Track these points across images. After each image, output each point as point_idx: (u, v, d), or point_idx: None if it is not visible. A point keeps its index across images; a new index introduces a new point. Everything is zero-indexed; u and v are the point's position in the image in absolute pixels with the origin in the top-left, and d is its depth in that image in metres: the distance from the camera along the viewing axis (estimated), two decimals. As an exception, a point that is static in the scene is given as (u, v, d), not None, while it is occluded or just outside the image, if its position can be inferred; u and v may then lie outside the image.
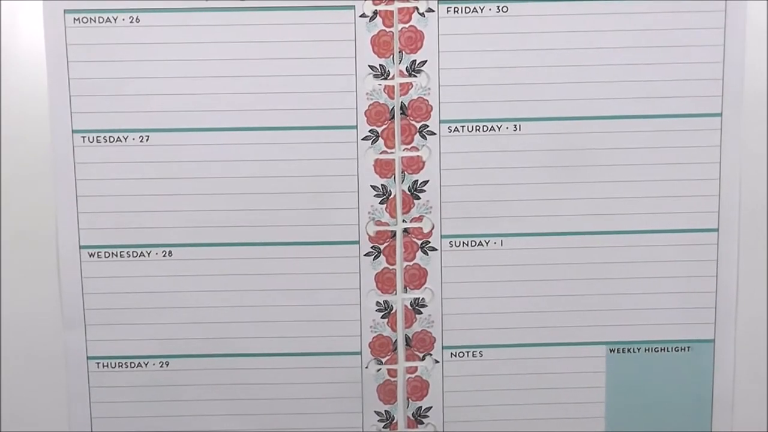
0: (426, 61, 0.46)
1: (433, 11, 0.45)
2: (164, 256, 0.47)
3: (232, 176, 0.47)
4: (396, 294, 0.48)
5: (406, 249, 0.47)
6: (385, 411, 0.48)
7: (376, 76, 0.46)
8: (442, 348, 0.48)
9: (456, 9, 0.45)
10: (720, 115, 0.47)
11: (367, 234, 0.47)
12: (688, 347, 0.48)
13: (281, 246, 0.47)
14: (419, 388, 0.48)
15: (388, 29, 0.46)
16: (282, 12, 0.45)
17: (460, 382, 0.48)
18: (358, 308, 0.48)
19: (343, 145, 0.46)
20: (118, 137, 0.46)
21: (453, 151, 0.47)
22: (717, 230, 0.47)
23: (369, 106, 0.46)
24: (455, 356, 0.48)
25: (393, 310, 0.48)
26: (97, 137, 0.46)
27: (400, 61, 0.46)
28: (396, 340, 0.48)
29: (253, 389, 0.48)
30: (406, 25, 0.46)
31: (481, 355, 0.48)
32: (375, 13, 0.46)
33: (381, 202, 0.47)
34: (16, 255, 0.47)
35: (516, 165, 0.47)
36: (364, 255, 0.47)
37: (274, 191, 0.47)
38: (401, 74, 0.46)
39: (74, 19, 0.46)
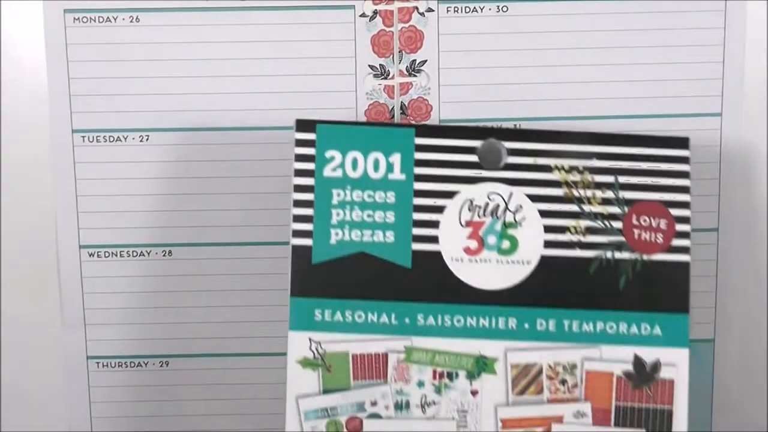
0: (426, 60, 0.46)
1: (434, 11, 0.45)
2: (164, 255, 0.47)
3: (232, 176, 0.47)
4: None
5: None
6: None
7: (375, 76, 0.46)
8: None
9: (456, 9, 0.45)
10: (720, 115, 0.47)
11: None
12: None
13: (281, 246, 0.47)
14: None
15: (387, 29, 0.46)
16: (281, 12, 0.45)
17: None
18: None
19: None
20: (118, 137, 0.46)
21: None
22: (717, 230, 0.47)
23: (369, 105, 0.46)
24: None
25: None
26: (97, 137, 0.46)
27: (400, 61, 0.46)
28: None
29: (253, 389, 0.48)
30: (406, 25, 0.46)
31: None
32: (375, 12, 0.46)
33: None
34: (16, 255, 0.47)
35: None
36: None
37: (274, 191, 0.47)
38: (401, 74, 0.46)
39: (74, 18, 0.46)
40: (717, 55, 0.46)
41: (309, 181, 0.41)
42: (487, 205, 0.40)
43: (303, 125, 0.41)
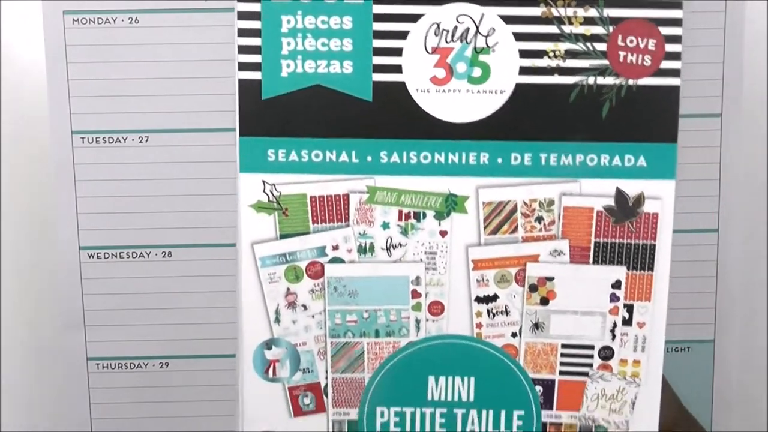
0: None
1: None
2: (164, 256, 0.47)
3: (231, 177, 0.47)
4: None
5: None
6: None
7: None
8: None
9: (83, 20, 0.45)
10: (720, 115, 0.47)
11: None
12: (688, 347, 0.48)
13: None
14: None
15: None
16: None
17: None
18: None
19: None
20: (118, 138, 0.46)
21: None
22: (717, 230, 0.47)
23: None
24: None
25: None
26: (96, 138, 0.46)
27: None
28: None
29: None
30: None
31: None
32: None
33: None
34: (16, 256, 0.47)
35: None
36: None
37: (273, 192, 0.47)
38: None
39: (73, 20, 0.46)
40: (717, 56, 0.46)
41: (254, 6, 0.36)
42: (455, 28, 0.36)
43: None
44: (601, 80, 0.37)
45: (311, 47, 0.36)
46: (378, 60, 0.36)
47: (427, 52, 0.36)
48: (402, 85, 0.36)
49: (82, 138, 0.46)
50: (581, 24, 0.36)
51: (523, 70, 0.36)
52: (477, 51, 0.36)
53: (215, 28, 0.46)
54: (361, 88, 0.36)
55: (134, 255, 0.47)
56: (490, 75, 0.36)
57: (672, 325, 0.48)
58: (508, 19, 0.36)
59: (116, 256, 0.47)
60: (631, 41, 0.36)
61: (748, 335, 0.48)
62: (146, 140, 0.46)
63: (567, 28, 0.36)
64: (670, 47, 0.36)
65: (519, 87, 0.36)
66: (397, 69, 0.36)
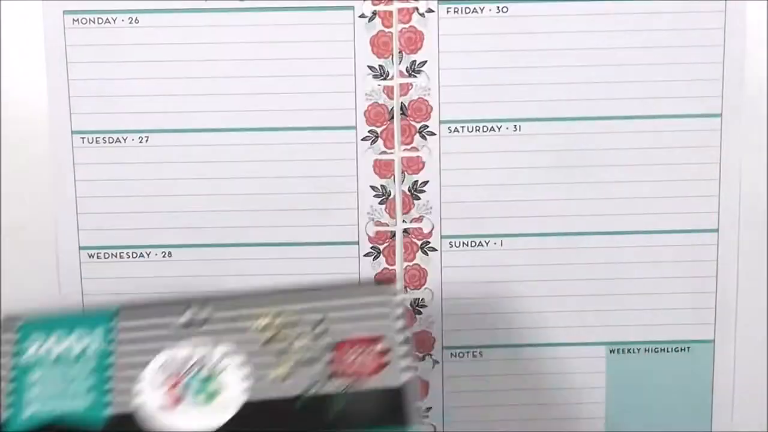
0: (426, 61, 0.46)
1: (433, 11, 0.45)
2: (164, 256, 0.47)
3: (231, 177, 0.47)
4: (396, 294, 0.48)
5: (405, 249, 0.47)
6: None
7: (375, 77, 0.46)
8: (442, 348, 0.48)
9: (456, 9, 0.45)
10: (720, 115, 0.47)
11: (367, 234, 0.47)
12: (688, 347, 0.48)
13: (281, 246, 0.47)
14: (419, 388, 0.48)
15: (387, 29, 0.46)
16: (281, 12, 0.45)
17: (459, 383, 0.48)
18: (358, 309, 0.48)
19: (342, 145, 0.46)
20: (118, 138, 0.46)
21: (453, 152, 0.46)
22: (717, 230, 0.47)
23: (368, 106, 0.46)
24: (455, 356, 0.48)
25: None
26: (96, 138, 0.46)
27: (400, 61, 0.46)
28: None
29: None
30: (406, 26, 0.46)
31: (481, 356, 0.48)
32: (374, 13, 0.45)
33: (380, 203, 0.47)
34: (16, 256, 0.47)
35: (516, 165, 0.47)
36: (364, 255, 0.47)
37: (273, 192, 0.47)
38: (401, 75, 0.46)
39: (73, 20, 0.46)
40: (717, 56, 0.46)
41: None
42: (186, 361, 0.39)
43: (7, 326, 0.41)
44: (327, 386, 0.38)
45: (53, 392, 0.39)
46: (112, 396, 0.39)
47: (160, 382, 0.39)
48: (138, 409, 0.38)
49: (82, 138, 0.46)
50: (304, 347, 0.39)
51: (249, 390, 0.39)
52: (205, 379, 0.39)
53: (215, 27, 0.46)
54: (95, 421, 0.38)
55: (134, 255, 0.47)
56: (218, 396, 0.38)
57: (672, 325, 0.48)
58: (232, 352, 0.39)
59: (116, 257, 0.47)
60: (354, 352, 0.39)
61: (748, 335, 0.48)
62: (146, 140, 0.46)
63: (292, 347, 0.39)
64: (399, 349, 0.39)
65: (247, 403, 0.38)
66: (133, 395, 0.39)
